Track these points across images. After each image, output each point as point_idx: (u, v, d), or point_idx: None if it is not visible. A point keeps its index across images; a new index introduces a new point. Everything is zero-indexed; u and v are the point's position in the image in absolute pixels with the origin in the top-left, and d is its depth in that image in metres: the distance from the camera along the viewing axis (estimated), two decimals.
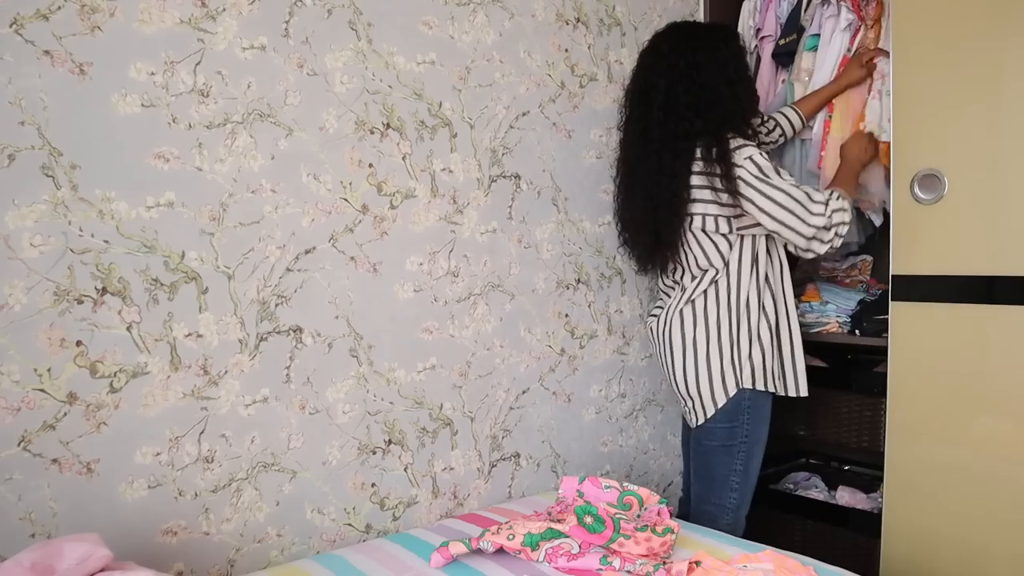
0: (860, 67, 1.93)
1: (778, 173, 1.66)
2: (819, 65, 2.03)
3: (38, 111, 1.20)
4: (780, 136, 2.03)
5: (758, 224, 1.70)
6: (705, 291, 1.76)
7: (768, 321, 1.77)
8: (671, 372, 1.84)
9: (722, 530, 1.75)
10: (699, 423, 1.81)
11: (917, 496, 1.75)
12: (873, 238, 2.35)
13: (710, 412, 1.77)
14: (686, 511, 1.99)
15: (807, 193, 1.64)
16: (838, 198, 1.67)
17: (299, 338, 1.50)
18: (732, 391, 1.75)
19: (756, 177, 1.64)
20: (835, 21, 2.01)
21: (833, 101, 2.01)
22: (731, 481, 1.79)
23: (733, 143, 1.67)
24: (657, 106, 1.72)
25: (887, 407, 1.80)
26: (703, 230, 1.73)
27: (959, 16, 1.66)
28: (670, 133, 1.70)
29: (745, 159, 1.64)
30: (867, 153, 1.85)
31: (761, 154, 1.66)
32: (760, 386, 1.75)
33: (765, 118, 2.00)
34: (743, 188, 1.65)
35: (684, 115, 1.69)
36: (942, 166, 1.69)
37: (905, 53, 1.75)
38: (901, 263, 1.76)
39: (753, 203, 1.65)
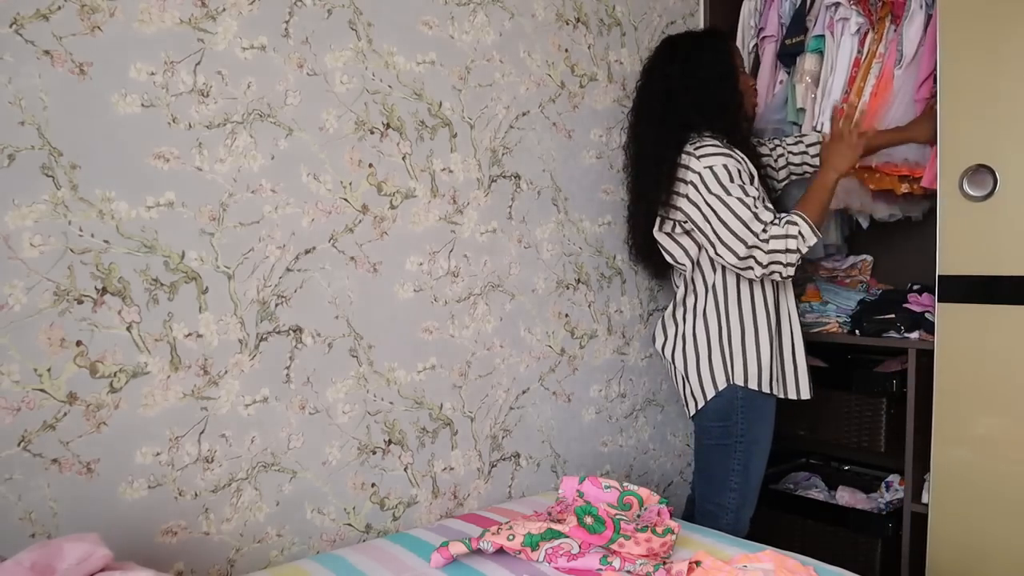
0: (932, 125, 1.72)
1: (734, 186, 1.63)
2: (831, 70, 1.99)
3: (38, 111, 1.20)
4: (787, 176, 1.98)
5: None
6: (704, 286, 1.79)
7: (768, 320, 1.75)
8: (668, 360, 1.88)
9: (723, 530, 1.74)
10: (692, 414, 1.83)
11: (963, 501, 1.69)
12: (849, 239, 2.35)
13: (700, 403, 1.78)
14: (694, 510, 1.99)
15: (754, 213, 1.61)
16: (788, 223, 1.62)
17: (299, 338, 1.50)
18: (722, 385, 1.74)
19: (705, 188, 1.65)
20: (845, 24, 1.97)
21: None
22: (730, 481, 1.78)
23: (698, 151, 1.68)
24: (643, 121, 1.85)
25: (933, 411, 1.72)
26: (686, 232, 1.77)
27: None
28: (652, 144, 1.79)
29: (704, 168, 1.66)
30: (847, 162, 1.70)
31: (724, 165, 1.65)
32: (754, 386, 1.73)
33: (797, 137, 1.98)
34: (683, 202, 1.69)
35: (659, 128, 1.77)
36: (993, 160, 1.60)
37: (952, 38, 1.64)
38: (949, 263, 1.68)
39: (689, 216, 1.70)
